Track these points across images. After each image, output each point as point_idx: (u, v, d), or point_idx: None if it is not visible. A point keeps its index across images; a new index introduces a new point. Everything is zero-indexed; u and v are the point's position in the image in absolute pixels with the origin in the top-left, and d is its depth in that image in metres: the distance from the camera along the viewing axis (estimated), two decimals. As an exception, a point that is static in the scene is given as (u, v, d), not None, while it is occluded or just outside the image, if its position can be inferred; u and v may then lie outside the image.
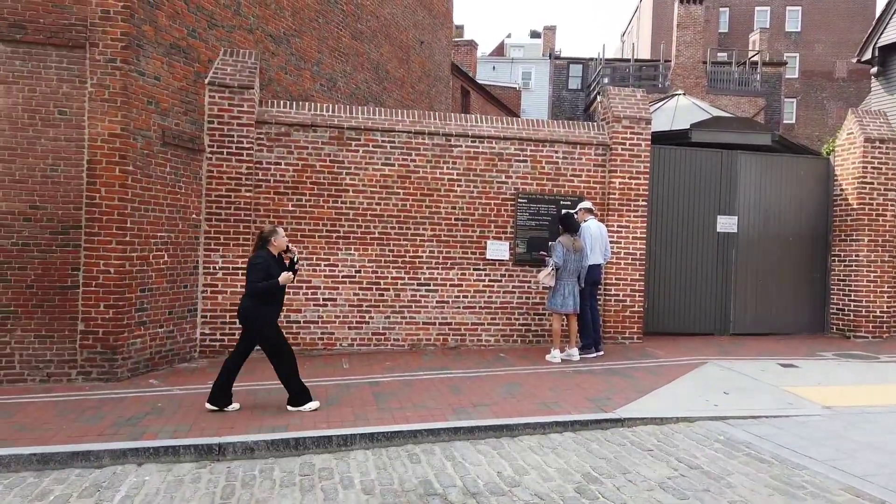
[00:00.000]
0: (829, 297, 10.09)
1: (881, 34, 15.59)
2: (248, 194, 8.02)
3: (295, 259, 5.94)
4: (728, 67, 32.95)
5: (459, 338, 8.63)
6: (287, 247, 5.86)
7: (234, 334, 7.81)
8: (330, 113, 8.50)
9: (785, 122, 38.64)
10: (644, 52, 45.19)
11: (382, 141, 8.54)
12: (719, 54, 40.19)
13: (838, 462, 4.71)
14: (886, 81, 15.79)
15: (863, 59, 16.08)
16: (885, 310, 9.65)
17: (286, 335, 7.94)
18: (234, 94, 8.00)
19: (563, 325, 8.06)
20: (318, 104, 8.58)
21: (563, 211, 8.65)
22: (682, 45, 30.99)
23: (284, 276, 5.59)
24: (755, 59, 33.99)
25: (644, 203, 9.03)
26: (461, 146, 8.72)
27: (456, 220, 8.68)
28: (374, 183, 8.49)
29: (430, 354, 8.19)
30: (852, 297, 9.72)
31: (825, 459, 4.76)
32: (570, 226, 8.03)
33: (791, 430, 5.43)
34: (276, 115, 8.27)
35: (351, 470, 4.57)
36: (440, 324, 8.58)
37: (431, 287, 8.57)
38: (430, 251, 8.60)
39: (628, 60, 33.87)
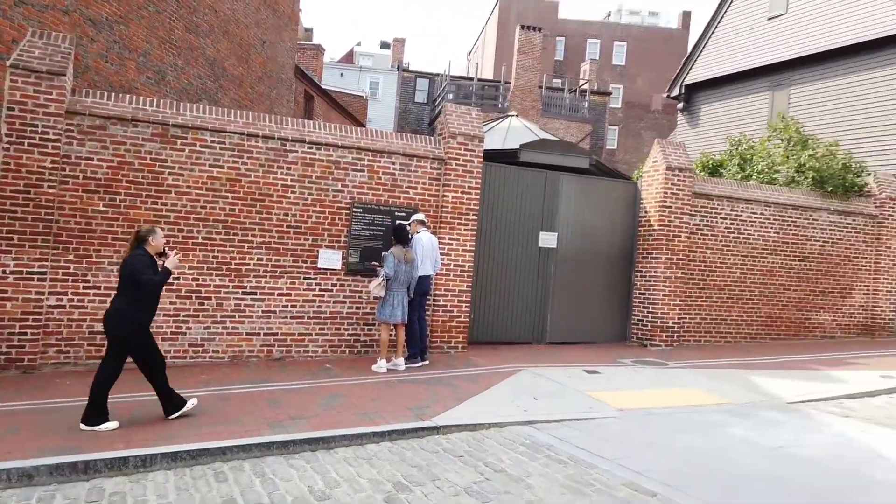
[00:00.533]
0: (632, 310, 11.16)
1: (687, 74, 17.61)
2: (51, 191, 7.30)
3: (171, 268, 5.60)
4: (561, 93, 35.34)
5: (285, 349, 8.46)
6: (164, 249, 5.65)
7: (24, 347, 7.06)
8: (154, 108, 7.98)
9: (608, 147, 42.26)
10: (488, 73, 47.29)
11: (212, 141, 8.17)
12: (554, 80, 43.12)
13: (624, 460, 5.22)
14: (690, 116, 17.84)
15: (672, 95, 18.05)
16: (677, 321, 10.86)
17: (89, 348, 7.36)
18: (41, 79, 7.25)
19: (390, 335, 8.18)
20: (142, 98, 8.03)
21: (397, 222, 8.81)
22: (521, 68, 32.71)
23: (172, 261, 5.51)
24: (584, 87, 36.84)
25: (475, 217, 9.44)
26: (297, 151, 8.58)
27: (288, 227, 8.52)
28: (199, 185, 8.09)
29: (252, 366, 7.94)
30: (650, 310, 10.84)
31: (614, 458, 5.26)
32: (403, 237, 8.20)
33: (589, 432, 5.94)
34: (90, 107, 7.62)
35: (147, 493, 4.31)
36: (265, 334, 8.35)
37: (258, 296, 8.32)
38: (259, 258, 8.35)
39: (472, 79, 35.22)
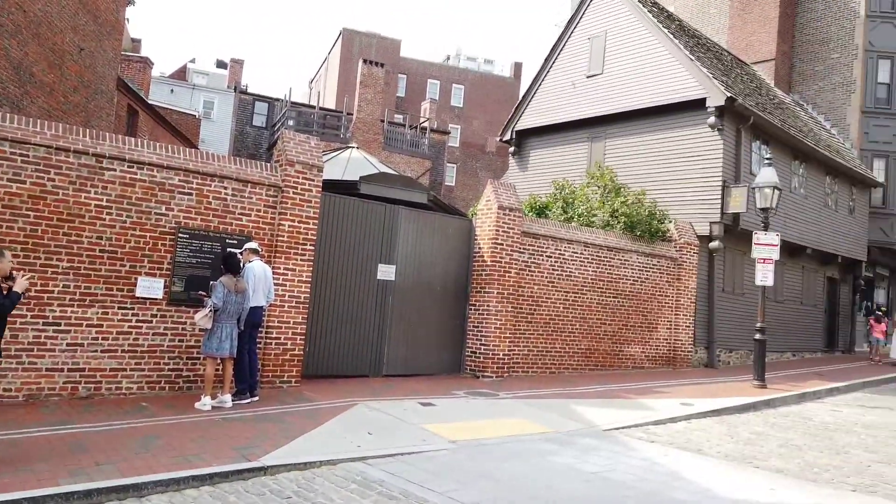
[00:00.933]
0: (466, 342, 11.49)
1: (517, 121, 18.79)
2: None
3: (20, 291, 5.30)
4: (403, 129, 36.09)
5: (94, 386, 7.60)
6: (10, 272, 5.34)
7: None
8: (-62, 111, 6.93)
9: (447, 184, 43.73)
10: (330, 102, 47.17)
11: (12, 153, 7.25)
12: (396, 115, 44.01)
13: (455, 492, 5.28)
14: (520, 159, 18.99)
15: (504, 139, 19.14)
16: (507, 353, 11.35)
17: None
18: None
19: (217, 370, 7.68)
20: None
21: (228, 250, 8.36)
22: (363, 101, 32.93)
23: (21, 284, 5.27)
24: (424, 124, 37.96)
25: (311, 247, 9.22)
26: (115, 170, 7.86)
27: (102, 251, 7.73)
28: (-6, 201, 7.11)
29: (52, 406, 7.03)
30: (483, 342, 11.22)
31: (445, 490, 5.29)
32: (234, 266, 7.79)
33: (421, 466, 5.94)
34: None
35: None
36: (70, 370, 7.45)
37: (62, 327, 7.43)
38: (65, 285, 7.48)
39: (314, 107, 34.88)
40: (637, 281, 13.67)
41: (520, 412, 8.62)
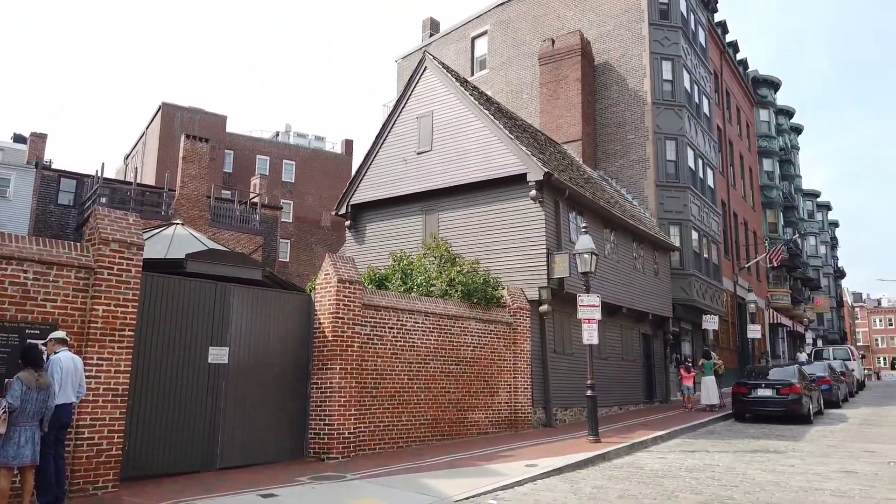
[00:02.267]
0: (309, 423, 10.91)
1: (352, 195, 18.90)
2: None
3: None
4: (231, 205, 34.82)
5: None
6: None
7: None
8: None
9: (281, 259, 42.53)
10: (149, 178, 44.48)
11: None
12: (224, 192, 42.49)
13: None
14: (357, 233, 19.01)
15: (339, 213, 19.11)
16: (353, 431, 10.93)
17: None
18: None
19: (14, 482, 6.53)
20: None
21: (28, 342, 7.31)
22: (187, 177, 31.43)
23: None
24: (255, 200, 36.97)
25: (131, 333, 8.35)
26: None
27: None
28: None
29: None
30: (326, 422, 10.73)
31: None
32: (33, 359, 6.79)
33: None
34: None
35: None
36: None
37: None
38: None
39: (130, 184, 32.64)
40: (477, 347, 13.99)
41: (368, 493, 8.24)
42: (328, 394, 10.82)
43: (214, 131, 47.00)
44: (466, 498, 8.13)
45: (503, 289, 15.22)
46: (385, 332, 12.00)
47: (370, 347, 11.65)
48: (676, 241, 24.08)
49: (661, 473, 10.15)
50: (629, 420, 17.32)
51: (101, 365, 8.02)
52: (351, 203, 18.82)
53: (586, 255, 13.24)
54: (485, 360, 14.16)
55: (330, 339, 10.96)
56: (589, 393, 13.01)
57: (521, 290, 15.58)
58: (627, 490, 8.78)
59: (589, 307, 13.20)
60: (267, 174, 49.18)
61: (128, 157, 56.07)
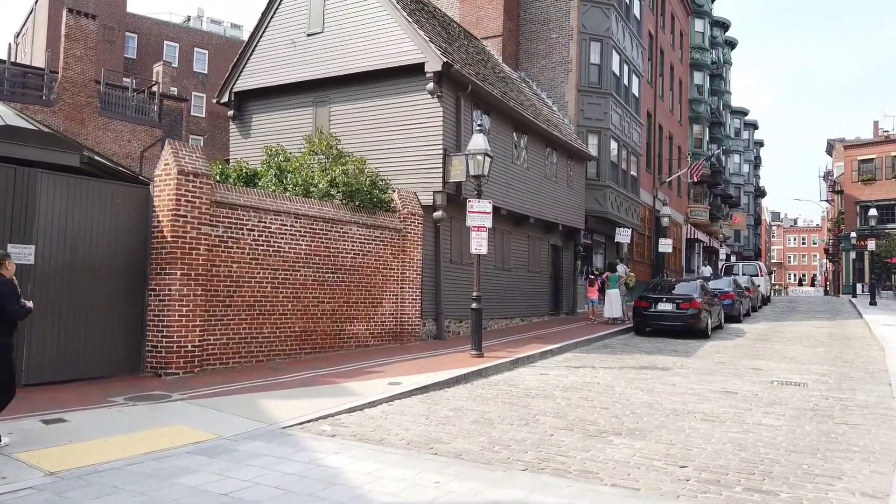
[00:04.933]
0: (146, 334, 9.58)
1: (236, 81, 16.79)
2: None
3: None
4: (126, 93, 31.61)
5: None
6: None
7: None
8: None
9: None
10: (39, 60, 39.91)
11: None
12: (126, 80, 38.68)
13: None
14: (242, 126, 17.06)
15: (221, 102, 17.01)
16: (198, 344, 9.67)
17: None
18: None
19: None
20: None
21: None
22: (71, 58, 28.10)
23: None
24: (154, 89, 33.69)
25: None
26: None
27: None
28: None
29: None
30: (164, 333, 9.41)
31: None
32: None
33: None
34: None
35: None
36: None
37: None
38: None
39: (4, 62, 28.91)
40: (359, 254, 12.78)
41: (183, 418, 7.09)
42: (167, 302, 9.44)
43: (112, 9, 42.43)
44: (300, 423, 7.11)
45: (393, 192, 13.89)
46: (243, 234, 10.56)
47: (223, 251, 10.23)
48: (594, 151, 23.11)
49: (534, 393, 9.43)
50: (526, 332, 16.77)
51: None
52: (234, 90, 16.74)
53: (479, 157, 11.97)
54: (368, 269, 13.00)
55: (169, 239, 9.46)
56: (474, 306, 12.12)
57: (415, 195, 14.30)
58: (486, 413, 7.96)
59: (479, 213, 12.08)
60: (175, 63, 45.17)
61: (18, 35, 50.31)
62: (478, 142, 11.99)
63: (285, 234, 11.24)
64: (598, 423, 7.60)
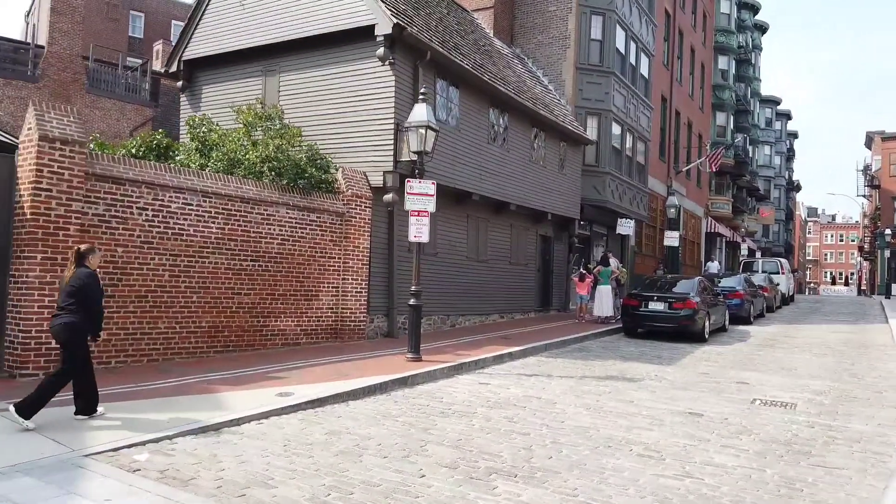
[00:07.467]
0: (6, 328, 8.24)
1: (185, 48, 15.40)
2: None
3: None
4: (117, 70, 30.62)
5: None
6: None
7: None
8: None
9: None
10: (43, 38, 39.26)
11: None
12: (130, 60, 37.74)
13: None
14: (192, 97, 15.69)
15: (170, 71, 15.65)
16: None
17: None
18: None
19: None
20: None
21: None
22: (57, 32, 27.23)
23: None
24: (146, 67, 32.63)
25: None
26: None
27: None
28: None
29: None
30: (22, 327, 8.05)
31: None
32: None
33: None
34: None
35: None
36: None
37: None
38: None
39: (-11, 36, 28.10)
40: (288, 240, 11.30)
41: (-32, 437, 5.69)
42: (25, 291, 8.08)
43: (116, -13, 41.47)
44: (113, 449, 5.67)
45: (336, 171, 12.35)
46: (131, 213, 9.13)
47: (103, 233, 8.80)
48: (593, 135, 21.23)
49: (453, 410, 7.87)
50: (496, 331, 15.13)
51: None
52: (183, 59, 15.34)
53: (421, 130, 10.36)
54: (301, 257, 11.51)
55: (29, 217, 8.08)
56: (412, 302, 10.56)
57: (364, 175, 12.74)
58: (369, 439, 6.42)
59: (419, 195, 10.49)
60: (181, 42, 44.15)
61: (28, 13, 49.87)
62: (419, 113, 10.37)
63: (190, 214, 9.80)
64: (501, 456, 6.01)
